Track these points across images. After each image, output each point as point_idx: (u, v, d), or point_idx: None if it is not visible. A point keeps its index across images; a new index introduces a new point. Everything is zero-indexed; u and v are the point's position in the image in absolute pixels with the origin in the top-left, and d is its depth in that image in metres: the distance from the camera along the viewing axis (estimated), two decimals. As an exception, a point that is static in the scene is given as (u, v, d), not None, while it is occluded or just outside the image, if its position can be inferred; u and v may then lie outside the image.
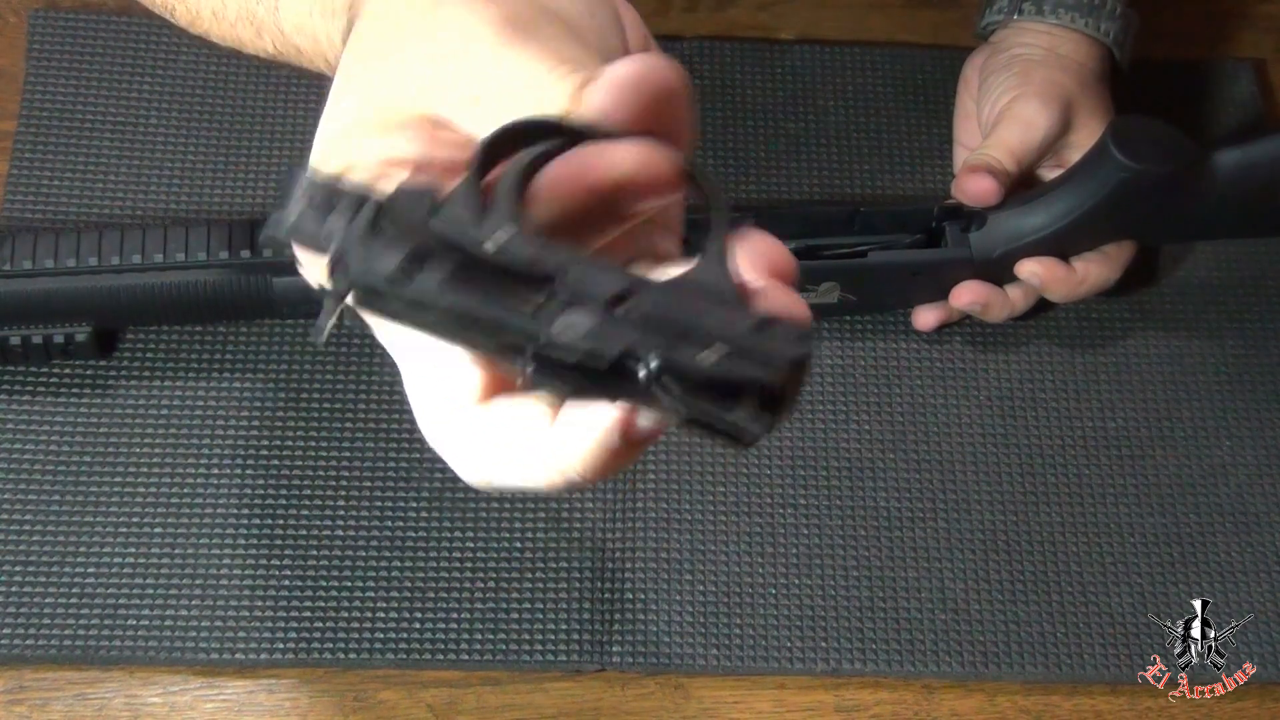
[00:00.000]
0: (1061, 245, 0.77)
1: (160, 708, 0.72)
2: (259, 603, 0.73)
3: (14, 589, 0.73)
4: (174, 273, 0.73)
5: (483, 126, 0.40)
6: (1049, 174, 0.80)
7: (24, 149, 0.83)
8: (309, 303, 0.75)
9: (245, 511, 0.75)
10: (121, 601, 0.73)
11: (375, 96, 0.43)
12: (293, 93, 0.87)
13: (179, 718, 0.72)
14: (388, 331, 0.40)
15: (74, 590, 0.73)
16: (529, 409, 0.38)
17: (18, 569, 0.73)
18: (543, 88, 0.40)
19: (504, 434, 0.39)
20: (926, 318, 0.81)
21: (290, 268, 0.73)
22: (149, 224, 0.75)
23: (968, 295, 0.79)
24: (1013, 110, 0.78)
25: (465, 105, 0.42)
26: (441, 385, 0.40)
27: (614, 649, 0.73)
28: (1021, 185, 0.79)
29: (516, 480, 0.39)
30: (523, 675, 0.73)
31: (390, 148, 0.41)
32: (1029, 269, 0.77)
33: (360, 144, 0.42)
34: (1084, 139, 0.78)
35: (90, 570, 0.73)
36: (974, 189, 0.76)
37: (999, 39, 0.83)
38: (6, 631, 0.72)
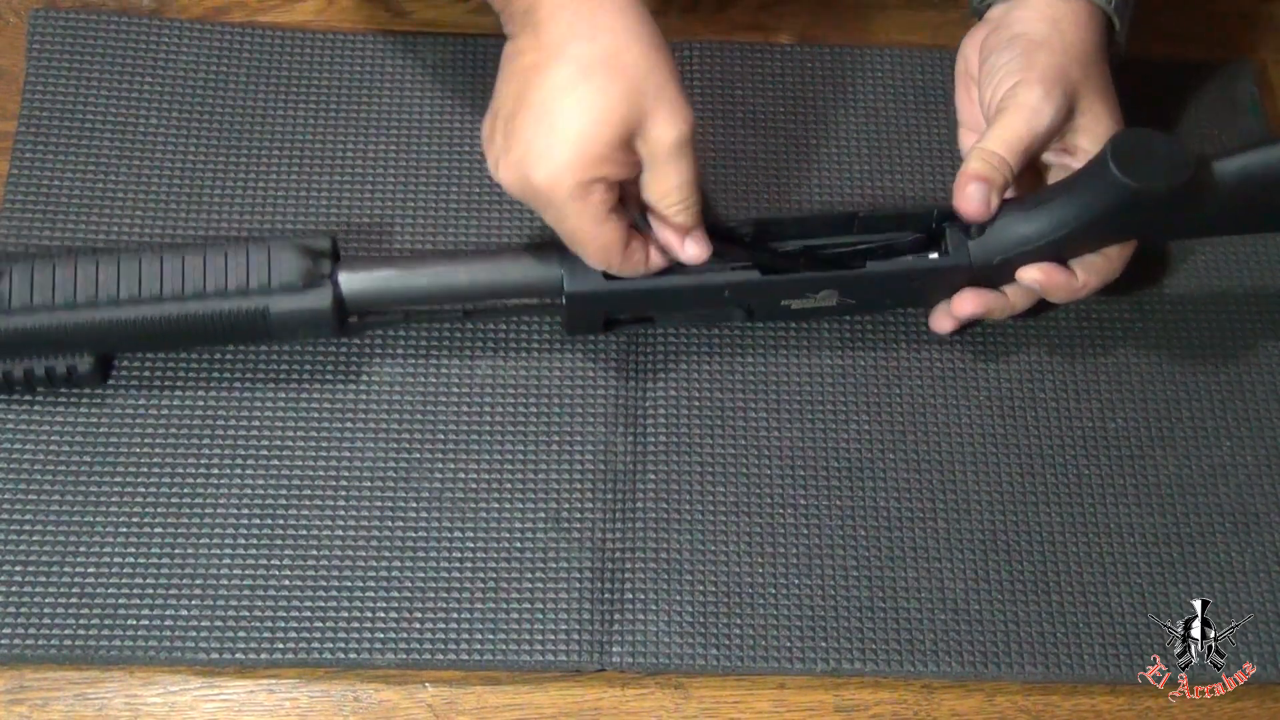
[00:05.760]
0: (1061, 251, 0.77)
1: (160, 708, 0.72)
2: (259, 602, 0.73)
3: (14, 589, 0.73)
4: (172, 304, 0.73)
5: (655, 163, 0.70)
6: (1054, 158, 0.79)
7: (24, 149, 0.83)
8: (304, 328, 0.76)
9: (245, 511, 0.75)
10: (121, 601, 0.73)
11: (607, 127, 0.68)
12: (292, 92, 0.87)
13: (179, 718, 0.72)
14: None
15: (74, 590, 0.73)
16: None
17: (18, 569, 0.73)
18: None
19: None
20: (943, 324, 0.81)
21: (285, 294, 0.74)
22: (145, 251, 0.74)
23: (969, 307, 0.79)
24: (1017, 97, 0.78)
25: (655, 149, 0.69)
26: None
27: (614, 649, 0.73)
28: (1028, 172, 0.79)
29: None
30: (523, 675, 0.73)
31: (606, 171, 0.69)
32: (1030, 275, 0.77)
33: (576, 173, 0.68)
34: (1089, 122, 0.78)
35: (90, 570, 0.73)
36: (968, 210, 0.76)
37: (998, 16, 0.81)
38: (6, 631, 0.72)
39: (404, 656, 0.72)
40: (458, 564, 0.75)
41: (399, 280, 0.76)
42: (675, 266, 0.75)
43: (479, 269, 0.76)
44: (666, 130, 0.69)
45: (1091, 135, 0.78)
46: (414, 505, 0.76)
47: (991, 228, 0.77)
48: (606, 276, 0.75)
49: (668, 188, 0.71)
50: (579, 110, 0.68)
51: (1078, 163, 0.78)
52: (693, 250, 0.73)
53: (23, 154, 0.83)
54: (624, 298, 0.77)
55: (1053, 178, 0.80)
